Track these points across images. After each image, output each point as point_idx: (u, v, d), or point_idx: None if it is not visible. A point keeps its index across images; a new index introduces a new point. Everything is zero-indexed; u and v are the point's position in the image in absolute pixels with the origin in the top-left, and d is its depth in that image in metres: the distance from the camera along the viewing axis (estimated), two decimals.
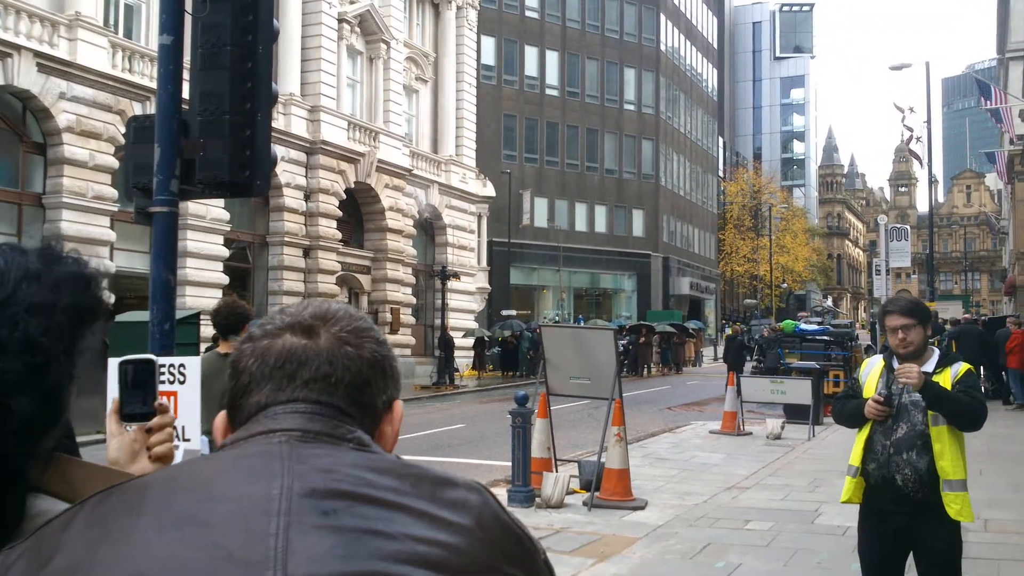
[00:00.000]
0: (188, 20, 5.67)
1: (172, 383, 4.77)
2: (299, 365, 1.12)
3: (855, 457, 4.56)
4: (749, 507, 9.44)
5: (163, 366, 4.79)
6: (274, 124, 23.84)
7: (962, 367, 4.44)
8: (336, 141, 29.81)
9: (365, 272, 32.53)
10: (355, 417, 1.13)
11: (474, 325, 38.29)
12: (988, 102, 35.18)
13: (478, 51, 42.41)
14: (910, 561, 4.54)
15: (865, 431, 4.54)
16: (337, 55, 31.02)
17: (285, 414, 1.10)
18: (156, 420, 1.71)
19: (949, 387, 4.33)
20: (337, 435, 1.09)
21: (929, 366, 4.41)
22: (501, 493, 9.92)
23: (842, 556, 6.83)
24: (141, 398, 1.68)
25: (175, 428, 4.77)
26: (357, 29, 32.35)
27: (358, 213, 32.73)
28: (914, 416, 4.39)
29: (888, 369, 4.52)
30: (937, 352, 4.52)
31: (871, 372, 4.65)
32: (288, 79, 28.31)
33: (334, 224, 29.95)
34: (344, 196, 30.56)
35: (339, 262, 30.36)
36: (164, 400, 1.75)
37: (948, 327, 22.46)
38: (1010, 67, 48.35)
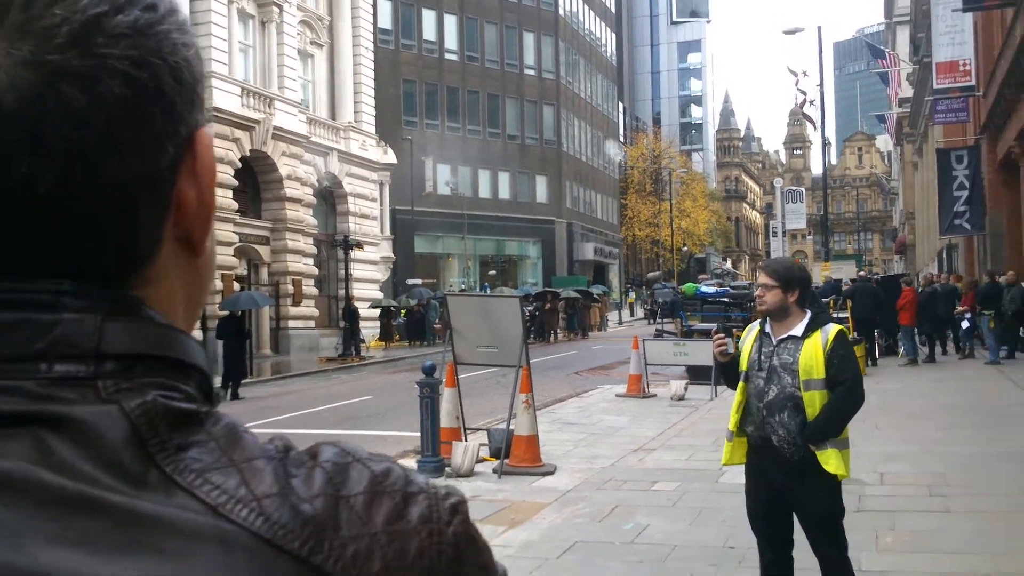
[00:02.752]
0: None
1: None
2: None
3: (731, 422, 4.72)
4: (655, 468, 9.56)
5: None
6: None
7: (832, 330, 4.52)
8: (229, 108, 28.94)
9: (264, 243, 31.84)
10: (87, 254, 0.57)
11: (379, 295, 37.93)
12: (882, 62, 36.16)
13: (374, 14, 41.64)
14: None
15: (740, 395, 4.68)
16: (228, 19, 30.03)
17: None
18: None
19: (820, 353, 4.44)
20: (24, 346, 0.54)
21: (798, 330, 4.54)
22: (411, 464, 9.84)
23: (746, 514, 6.95)
24: None
25: None
26: None
27: (255, 182, 31.95)
28: (784, 379, 4.51)
29: (762, 333, 4.68)
30: (808, 315, 4.59)
31: (749, 337, 4.79)
32: None
33: (230, 194, 29.10)
34: (239, 165, 29.76)
35: (236, 233, 29.61)
36: None
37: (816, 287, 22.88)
38: (897, 31, 49.93)
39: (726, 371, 4.87)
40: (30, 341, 0.54)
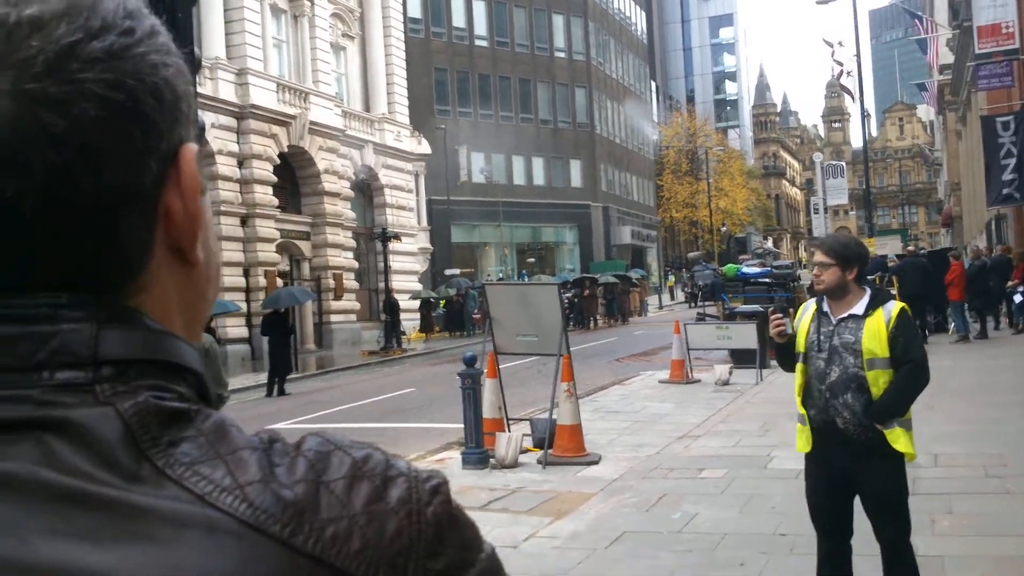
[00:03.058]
0: None
1: None
2: None
3: (799, 403, 4.60)
4: (702, 455, 9.46)
5: None
6: (201, 90, 23.04)
7: (895, 308, 4.40)
8: (266, 104, 29.09)
9: (305, 238, 32.00)
10: (79, 268, 0.61)
11: (418, 286, 38.02)
12: (920, 23, 35.28)
13: (404, 3, 41.60)
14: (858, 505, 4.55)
15: (799, 377, 4.56)
16: (261, 15, 30.17)
17: None
18: None
19: (884, 331, 4.32)
20: (27, 357, 0.58)
21: (859, 308, 4.41)
22: (455, 456, 9.84)
23: (796, 500, 6.81)
24: None
25: None
26: None
27: (293, 178, 32.10)
28: (846, 359, 4.39)
29: (819, 312, 4.54)
30: (868, 293, 4.47)
31: (805, 317, 4.65)
32: (212, 42, 27.49)
33: (270, 190, 29.32)
34: (278, 161, 29.91)
35: (278, 229, 29.80)
36: None
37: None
38: None
39: (783, 352, 4.71)
40: (33, 352, 0.58)
